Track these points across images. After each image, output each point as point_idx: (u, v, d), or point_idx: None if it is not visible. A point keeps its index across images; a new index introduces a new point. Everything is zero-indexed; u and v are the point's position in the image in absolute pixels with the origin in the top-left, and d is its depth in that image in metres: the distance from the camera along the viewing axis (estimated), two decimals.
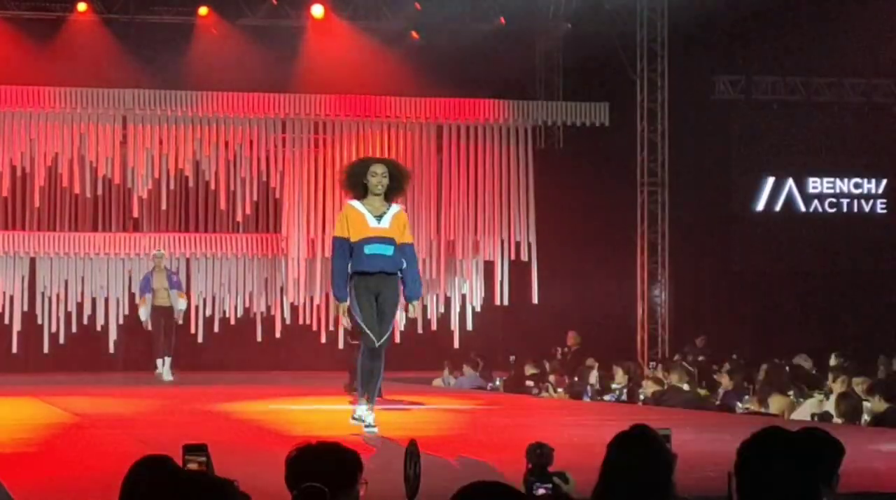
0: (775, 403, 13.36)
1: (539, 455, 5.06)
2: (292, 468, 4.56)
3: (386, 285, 10.72)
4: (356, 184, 10.93)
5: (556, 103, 23.43)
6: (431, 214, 22.96)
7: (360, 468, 4.62)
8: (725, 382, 16.02)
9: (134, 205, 22.19)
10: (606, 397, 16.83)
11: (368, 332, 10.60)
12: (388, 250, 10.72)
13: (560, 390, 18.14)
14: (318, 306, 22.76)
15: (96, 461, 8.84)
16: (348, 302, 10.80)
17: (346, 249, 10.72)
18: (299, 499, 4.27)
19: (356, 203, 10.85)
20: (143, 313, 20.12)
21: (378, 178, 10.75)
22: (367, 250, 10.65)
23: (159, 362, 19.98)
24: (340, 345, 22.69)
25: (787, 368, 16.70)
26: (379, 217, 10.77)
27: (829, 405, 12.90)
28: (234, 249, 22.62)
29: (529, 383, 18.65)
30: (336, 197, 22.71)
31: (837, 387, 13.58)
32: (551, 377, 18.81)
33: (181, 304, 20.28)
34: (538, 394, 18.03)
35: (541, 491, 4.95)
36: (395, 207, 10.90)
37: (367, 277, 10.66)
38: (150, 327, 20.10)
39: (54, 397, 15.08)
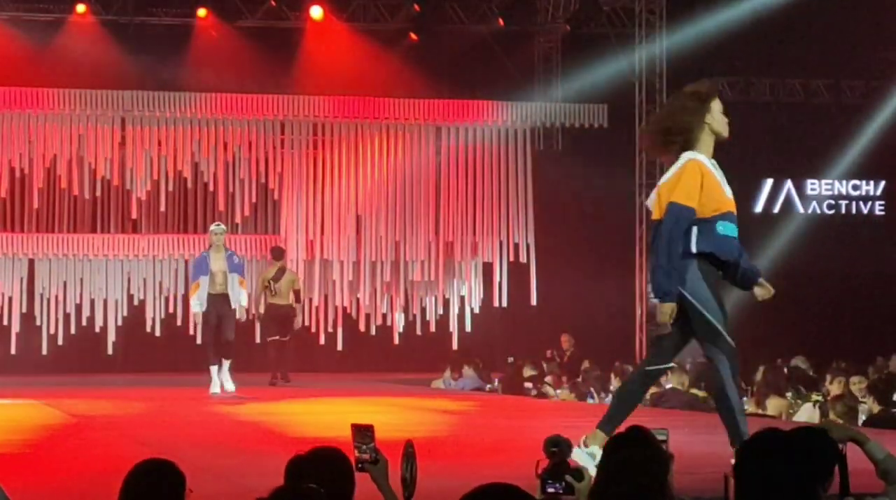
0: (773, 405, 13.36)
1: (553, 453, 4.91)
2: (290, 475, 4.58)
3: (719, 278, 7.75)
4: (693, 127, 7.56)
5: (554, 105, 23.41)
6: (430, 215, 22.93)
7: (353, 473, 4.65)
8: None
9: (133, 206, 22.18)
10: (606, 400, 16.83)
11: (724, 332, 7.83)
12: (737, 231, 7.82)
13: (560, 391, 18.12)
14: (317, 308, 22.73)
15: (95, 463, 8.85)
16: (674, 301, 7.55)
17: (685, 225, 7.52)
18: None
19: (705, 159, 7.63)
20: (197, 304, 16.21)
21: (725, 118, 7.71)
22: (721, 228, 7.66)
23: (213, 370, 16.42)
24: (339, 346, 22.72)
25: (785, 370, 16.69)
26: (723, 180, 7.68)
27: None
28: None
29: (528, 384, 18.64)
30: (335, 198, 22.69)
31: (835, 389, 13.58)
32: (549, 379, 18.81)
33: (243, 297, 16.42)
34: (536, 395, 18.03)
35: (549, 490, 4.80)
36: (686, 158, 7.63)
37: (716, 265, 7.66)
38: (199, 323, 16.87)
39: (53, 399, 15.09)
